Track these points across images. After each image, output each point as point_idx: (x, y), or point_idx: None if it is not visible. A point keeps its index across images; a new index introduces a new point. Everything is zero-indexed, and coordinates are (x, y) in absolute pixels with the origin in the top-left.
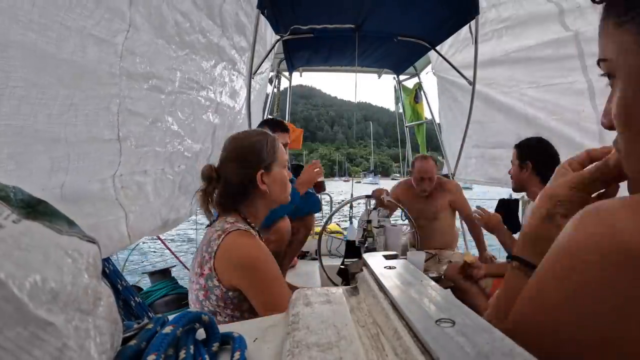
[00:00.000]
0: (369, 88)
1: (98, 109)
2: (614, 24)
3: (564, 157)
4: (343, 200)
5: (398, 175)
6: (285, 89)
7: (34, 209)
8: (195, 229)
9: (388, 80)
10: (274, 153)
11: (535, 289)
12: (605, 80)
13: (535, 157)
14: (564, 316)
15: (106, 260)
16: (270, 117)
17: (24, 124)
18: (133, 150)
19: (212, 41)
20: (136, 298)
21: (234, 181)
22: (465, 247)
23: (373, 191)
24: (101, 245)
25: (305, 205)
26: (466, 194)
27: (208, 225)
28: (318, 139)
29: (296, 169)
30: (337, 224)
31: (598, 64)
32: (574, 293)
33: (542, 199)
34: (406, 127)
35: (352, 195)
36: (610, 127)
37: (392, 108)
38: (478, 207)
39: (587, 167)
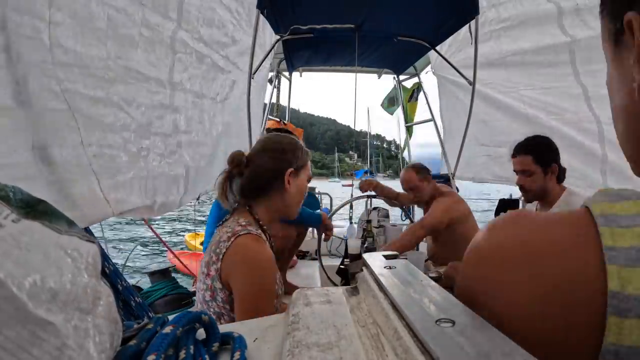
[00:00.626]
0: (372, 89)
1: (42, 86)
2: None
3: (566, 155)
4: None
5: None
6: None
7: (34, 208)
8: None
9: (389, 81)
10: (305, 162)
11: None
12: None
13: (556, 157)
14: None
15: (106, 260)
16: (270, 117)
17: None
18: (89, 125)
19: (162, 34)
20: (136, 298)
21: (264, 171)
22: None
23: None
24: (82, 214)
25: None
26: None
27: (219, 225)
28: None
29: None
30: None
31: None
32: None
33: None
34: (406, 127)
35: (352, 195)
36: None
37: (317, 113)
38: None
39: None
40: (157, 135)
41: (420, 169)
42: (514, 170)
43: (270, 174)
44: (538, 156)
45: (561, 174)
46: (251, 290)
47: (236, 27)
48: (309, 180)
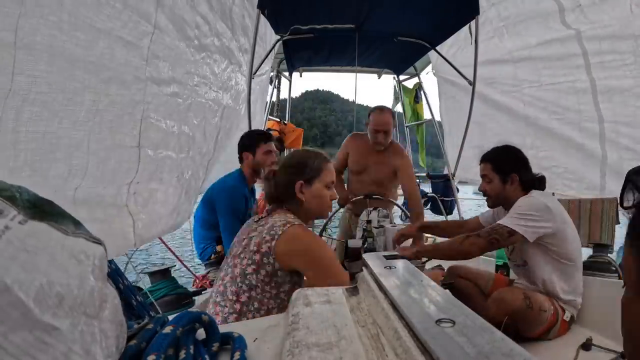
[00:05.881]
0: (372, 89)
1: (122, 114)
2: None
3: (565, 157)
4: None
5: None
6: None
7: (40, 209)
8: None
9: (389, 81)
10: (319, 171)
11: None
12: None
13: (517, 167)
14: None
15: (108, 260)
16: (270, 117)
17: (46, 130)
18: (151, 158)
19: (224, 44)
20: (137, 297)
21: (280, 185)
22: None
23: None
24: (107, 248)
25: None
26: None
27: (260, 218)
28: (336, 144)
29: None
30: None
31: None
32: None
33: None
34: (406, 127)
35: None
36: None
37: (401, 110)
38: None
39: None
40: (204, 151)
41: None
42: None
43: (283, 188)
44: (497, 165)
45: (530, 183)
46: (323, 268)
47: (253, 33)
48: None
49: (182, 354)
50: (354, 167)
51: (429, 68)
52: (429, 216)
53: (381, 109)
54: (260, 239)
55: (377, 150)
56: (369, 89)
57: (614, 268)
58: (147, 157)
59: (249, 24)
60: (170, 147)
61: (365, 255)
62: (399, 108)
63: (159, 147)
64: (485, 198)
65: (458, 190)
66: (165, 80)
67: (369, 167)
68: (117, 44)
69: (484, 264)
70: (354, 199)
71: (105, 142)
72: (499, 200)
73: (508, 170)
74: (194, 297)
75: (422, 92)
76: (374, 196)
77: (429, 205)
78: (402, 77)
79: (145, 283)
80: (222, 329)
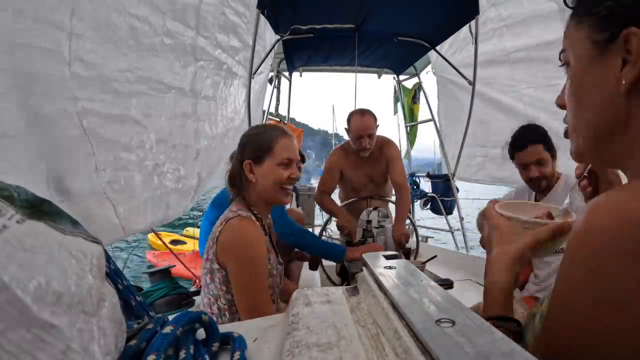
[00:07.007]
0: (372, 89)
1: (58, 110)
2: (573, 25)
3: (563, 158)
4: None
5: None
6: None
7: (38, 208)
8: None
9: (389, 81)
10: (270, 148)
11: (558, 283)
12: None
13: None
14: (579, 301)
15: (107, 260)
16: (270, 117)
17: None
18: (104, 148)
19: (184, 42)
20: (137, 297)
21: (233, 167)
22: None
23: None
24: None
25: None
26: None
27: None
28: None
29: None
30: None
31: (559, 57)
32: (586, 277)
33: (509, 260)
34: (406, 127)
35: None
36: (562, 106)
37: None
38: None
39: (542, 229)
40: (175, 147)
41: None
42: (524, 163)
43: (235, 170)
44: (547, 143)
45: None
46: (242, 263)
47: (245, 31)
48: (288, 163)
49: (182, 354)
50: (350, 177)
51: (429, 68)
52: (429, 216)
53: (362, 111)
54: (207, 244)
55: (363, 155)
56: (368, 88)
57: None
58: (101, 148)
59: (236, 21)
60: (122, 139)
61: (365, 255)
62: (399, 108)
63: (110, 139)
64: (536, 184)
65: (458, 190)
66: (94, 77)
67: (362, 172)
68: (35, 52)
69: None
70: (346, 202)
71: (51, 134)
72: (549, 183)
73: (553, 145)
74: (194, 297)
75: (421, 92)
76: (370, 198)
77: (429, 205)
78: (402, 77)
79: (145, 283)
80: (222, 329)
